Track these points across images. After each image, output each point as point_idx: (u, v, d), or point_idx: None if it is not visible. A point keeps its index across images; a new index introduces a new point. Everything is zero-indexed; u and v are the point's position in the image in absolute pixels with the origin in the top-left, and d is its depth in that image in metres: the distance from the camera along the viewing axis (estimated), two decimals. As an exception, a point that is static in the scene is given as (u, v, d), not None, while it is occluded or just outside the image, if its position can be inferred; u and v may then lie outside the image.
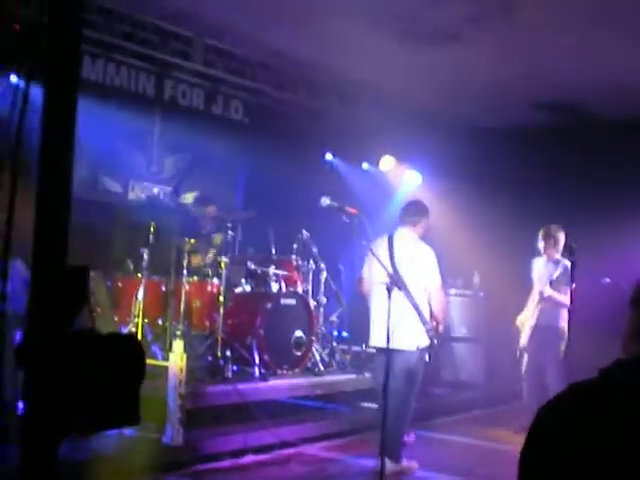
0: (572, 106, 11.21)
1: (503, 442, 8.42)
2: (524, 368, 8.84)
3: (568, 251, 7.40)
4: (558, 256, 8.73)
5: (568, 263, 8.48)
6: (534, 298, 8.79)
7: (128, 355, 1.66)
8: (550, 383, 8.56)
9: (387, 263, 6.82)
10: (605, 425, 1.77)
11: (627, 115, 10.82)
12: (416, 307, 6.89)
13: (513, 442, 8.17)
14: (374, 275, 7.03)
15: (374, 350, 7.44)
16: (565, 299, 8.49)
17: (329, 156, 11.58)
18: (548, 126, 11.86)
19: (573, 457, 1.78)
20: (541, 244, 8.85)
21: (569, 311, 8.52)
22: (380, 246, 7.08)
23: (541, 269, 8.87)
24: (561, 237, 8.77)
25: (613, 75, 9.69)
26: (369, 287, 7.22)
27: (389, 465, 6.61)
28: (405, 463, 7.09)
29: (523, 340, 8.77)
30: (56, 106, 1.79)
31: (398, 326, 6.60)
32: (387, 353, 5.91)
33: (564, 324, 8.60)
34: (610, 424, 1.77)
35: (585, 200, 10.86)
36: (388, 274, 6.20)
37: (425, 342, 6.99)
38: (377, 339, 7.03)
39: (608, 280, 8.62)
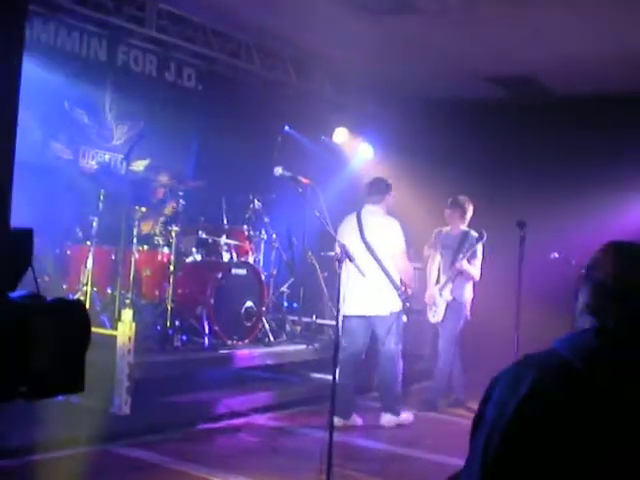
0: (526, 80, 11.27)
1: (451, 413, 8.51)
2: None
3: (518, 226, 7.43)
4: (464, 227, 8.76)
5: (476, 235, 8.58)
6: (438, 270, 8.82)
7: (73, 320, 1.62)
8: (446, 356, 8.70)
9: (357, 238, 7.68)
10: (548, 394, 1.79)
11: (580, 91, 10.91)
12: (387, 274, 7.70)
13: (461, 413, 8.28)
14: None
15: (347, 317, 7.75)
16: (477, 273, 8.58)
17: (281, 126, 11.50)
18: (502, 100, 11.92)
19: (517, 425, 1.79)
20: (447, 213, 8.80)
21: (474, 285, 8.69)
22: (349, 223, 7.89)
23: (445, 240, 8.83)
24: (469, 208, 8.77)
25: (566, 51, 9.75)
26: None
27: (391, 418, 7.82)
28: (403, 415, 7.93)
29: (438, 316, 8.73)
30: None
31: (374, 294, 7.64)
32: (336, 322, 5.91)
33: (468, 297, 8.68)
34: (553, 393, 1.79)
35: (538, 174, 10.97)
36: (339, 245, 6.19)
37: (398, 306, 7.76)
38: (351, 308, 7.57)
39: (557, 255, 8.68)
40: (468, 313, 8.72)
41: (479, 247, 8.61)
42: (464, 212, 8.73)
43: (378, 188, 8.00)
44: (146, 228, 8.66)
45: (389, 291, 7.74)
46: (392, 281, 7.75)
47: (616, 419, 1.75)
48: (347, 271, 7.61)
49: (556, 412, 1.76)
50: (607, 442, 1.74)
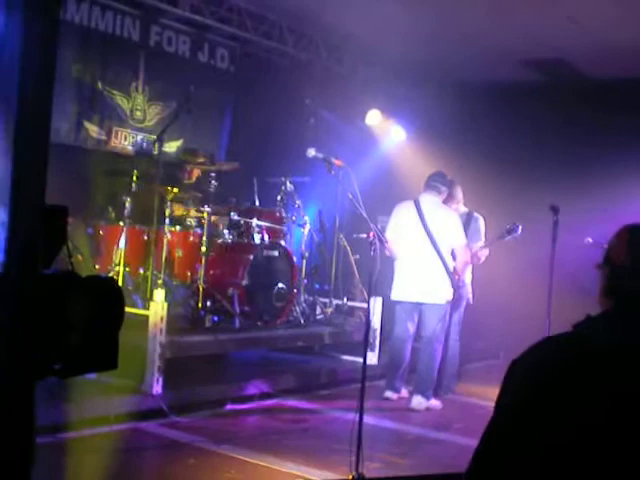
0: (560, 64, 11.14)
1: (480, 397, 8.48)
2: None
3: (552, 210, 7.35)
4: (462, 208, 8.61)
5: (480, 216, 8.50)
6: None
7: (107, 298, 1.63)
8: (455, 340, 8.56)
9: (418, 225, 7.84)
10: (569, 377, 1.78)
11: (615, 74, 10.78)
12: (444, 263, 7.83)
13: (491, 397, 8.24)
14: (401, 235, 7.93)
15: (398, 302, 8.12)
16: (486, 253, 8.46)
17: (314, 107, 11.47)
18: (535, 83, 11.79)
19: (539, 405, 1.79)
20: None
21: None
22: (407, 210, 7.99)
23: None
24: (457, 189, 8.59)
25: (601, 35, 9.63)
26: (395, 246, 7.95)
27: (421, 400, 7.87)
28: (433, 401, 8.02)
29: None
30: (35, 44, 1.72)
31: (430, 282, 7.83)
32: (368, 304, 5.88)
33: (469, 280, 8.58)
34: (573, 376, 1.78)
35: (571, 158, 10.84)
36: (373, 228, 6.15)
37: (450, 295, 7.94)
38: (401, 294, 8.00)
39: (591, 240, 8.59)
40: (470, 295, 8.62)
41: (482, 228, 8.55)
42: (452, 193, 8.55)
43: (441, 180, 8.08)
44: (178, 209, 8.69)
45: (444, 279, 7.87)
46: (447, 270, 7.87)
47: (635, 402, 1.74)
48: (400, 257, 8.01)
49: (576, 396, 1.75)
50: (624, 427, 1.72)
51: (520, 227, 8.16)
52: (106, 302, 1.65)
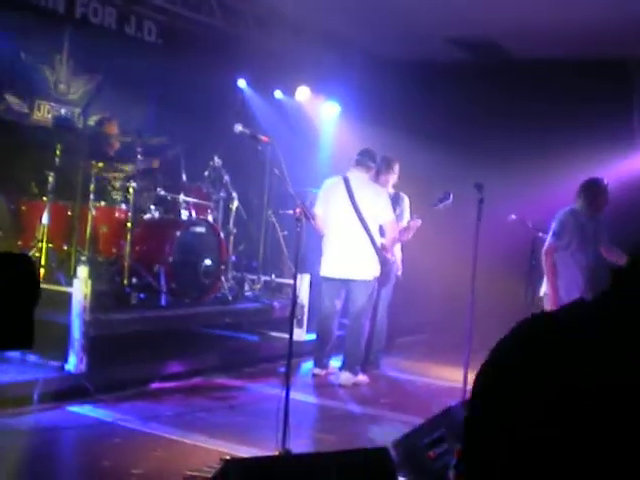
0: (483, 43, 11.25)
1: (407, 372, 8.58)
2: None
3: (476, 188, 7.41)
4: (391, 189, 8.64)
5: (405, 196, 8.60)
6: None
7: (20, 274, 1.58)
8: (382, 316, 8.64)
9: (346, 202, 7.85)
10: (536, 359, 1.74)
11: (539, 55, 10.94)
12: (372, 240, 7.89)
13: (418, 372, 8.35)
14: (329, 210, 7.94)
15: (326, 278, 8.13)
16: (418, 224, 8.54)
17: (242, 83, 11.40)
18: (461, 62, 11.90)
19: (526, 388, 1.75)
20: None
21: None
22: (335, 186, 8.00)
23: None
24: (395, 164, 8.58)
25: (521, 15, 9.73)
26: (323, 223, 7.99)
27: (349, 376, 7.94)
28: (360, 376, 8.07)
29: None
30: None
31: (358, 258, 7.89)
32: (294, 280, 5.86)
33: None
34: (541, 359, 1.75)
35: (497, 137, 10.97)
36: (299, 205, 6.13)
37: (378, 271, 7.98)
38: (328, 270, 8.03)
39: (514, 217, 8.70)
40: (400, 272, 8.72)
41: (407, 207, 8.64)
42: (391, 167, 8.56)
43: (371, 157, 8.11)
44: (103, 184, 8.48)
45: (372, 256, 7.93)
46: (376, 247, 7.92)
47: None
48: (328, 233, 8.04)
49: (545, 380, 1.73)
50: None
51: (451, 195, 8.13)
52: (20, 279, 1.60)
